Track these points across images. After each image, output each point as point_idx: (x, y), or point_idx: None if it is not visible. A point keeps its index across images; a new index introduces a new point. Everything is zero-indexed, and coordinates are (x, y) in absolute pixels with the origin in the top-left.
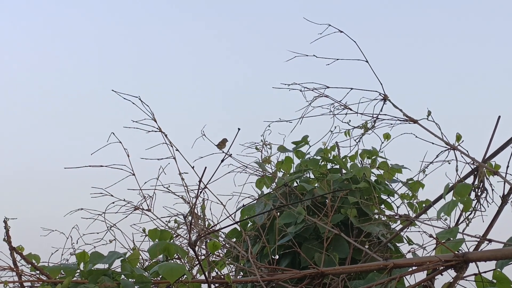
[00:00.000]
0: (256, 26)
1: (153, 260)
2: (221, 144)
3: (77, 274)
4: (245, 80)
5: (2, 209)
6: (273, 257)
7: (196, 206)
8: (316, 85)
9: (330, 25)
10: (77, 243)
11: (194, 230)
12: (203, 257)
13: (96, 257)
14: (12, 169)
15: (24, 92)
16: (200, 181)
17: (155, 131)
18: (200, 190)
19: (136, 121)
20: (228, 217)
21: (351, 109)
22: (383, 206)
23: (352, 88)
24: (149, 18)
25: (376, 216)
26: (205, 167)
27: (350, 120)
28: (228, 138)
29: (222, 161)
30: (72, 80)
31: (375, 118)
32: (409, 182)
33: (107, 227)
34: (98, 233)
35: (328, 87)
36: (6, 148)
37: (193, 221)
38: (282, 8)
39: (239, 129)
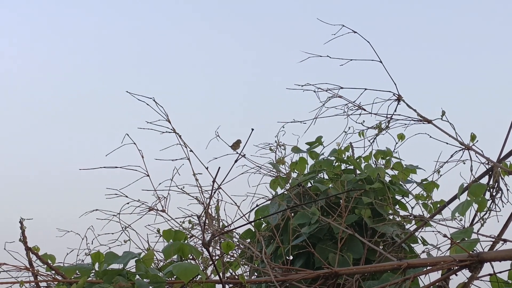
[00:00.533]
0: (269, 27)
1: (168, 261)
2: (235, 145)
3: (92, 274)
4: (259, 82)
5: (17, 210)
6: (287, 257)
7: (210, 206)
8: (329, 85)
9: (344, 25)
10: (92, 243)
11: (208, 231)
12: (217, 257)
13: (110, 257)
14: (28, 170)
15: (30, 92)
16: (214, 181)
17: (169, 132)
18: (214, 191)
19: (150, 122)
20: (241, 217)
21: (365, 110)
22: (397, 206)
23: (366, 89)
24: (157, 17)
25: (391, 217)
26: (219, 168)
27: (364, 121)
28: (242, 140)
29: (236, 161)
30: (84, 80)
31: (389, 119)
32: (424, 182)
33: (122, 228)
34: (113, 233)
35: (341, 88)
36: (18, 150)
37: (207, 221)
38: (295, 8)
39: (252, 129)
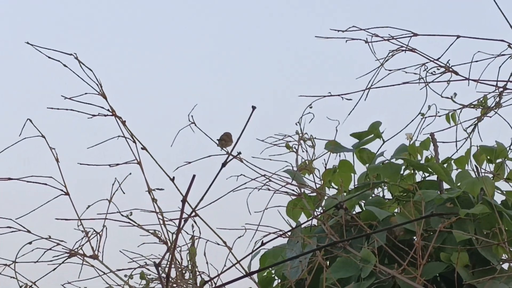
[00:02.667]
0: None
1: None
2: (225, 140)
3: None
4: (264, 24)
5: None
6: None
7: (178, 248)
8: (393, 31)
9: None
10: None
11: None
12: None
13: None
14: None
15: None
16: (184, 202)
17: (104, 115)
18: (185, 220)
19: (69, 98)
20: (233, 265)
21: (457, 73)
22: None
23: (459, 36)
24: None
25: (504, 266)
26: (193, 176)
27: (455, 94)
28: (233, 134)
29: (223, 165)
30: None
31: (501, 89)
32: None
33: (20, 286)
34: None
35: (415, 35)
36: None
37: (173, 275)
38: None
39: (254, 108)
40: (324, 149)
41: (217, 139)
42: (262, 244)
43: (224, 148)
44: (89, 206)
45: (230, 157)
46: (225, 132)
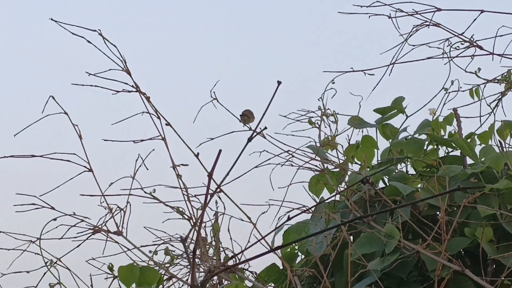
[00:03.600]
0: None
1: None
2: (247, 116)
3: None
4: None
5: None
6: None
7: (203, 224)
8: (416, 6)
9: None
10: None
11: (201, 267)
12: None
13: None
14: None
15: None
16: (209, 178)
17: (129, 91)
18: (210, 196)
19: (94, 74)
20: (258, 241)
21: (481, 48)
22: None
23: (483, 11)
24: None
25: None
26: (220, 151)
27: (479, 69)
28: (255, 110)
29: (249, 140)
30: None
31: None
32: None
33: (45, 263)
34: (28, 272)
35: (439, 10)
36: None
37: (198, 251)
38: None
39: (279, 83)
40: (347, 124)
41: (240, 115)
42: (289, 219)
43: (246, 124)
44: (112, 183)
45: (256, 132)
46: (247, 109)
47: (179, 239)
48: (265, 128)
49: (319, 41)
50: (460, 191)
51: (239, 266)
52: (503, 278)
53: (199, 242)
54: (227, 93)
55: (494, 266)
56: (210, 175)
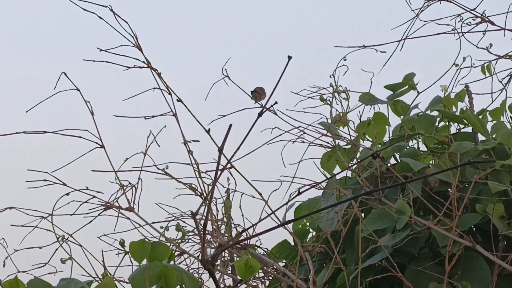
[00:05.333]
0: None
1: None
2: (259, 93)
3: None
4: None
5: None
6: None
7: (214, 200)
8: None
9: None
10: (4, 266)
11: (212, 242)
12: None
13: None
14: None
15: None
16: (220, 153)
17: (140, 67)
18: (220, 172)
19: (105, 50)
20: (268, 216)
21: (493, 23)
22: None
23: None
24: None
25: None
26: (230, 125)
27: (491, 45)
28: (266, 87)
29: (259, 115)
30: None
31: None
32: None
33: (57, 239)
34: (41, 248)
35: None
36: None
37: (209, 226)
38: None
39: (290, 58)
40: (358, 101)
41: (251, 91)
42: (299, 193)
43: (257, 101)
44: (127, 158)
45: (266, 107)
46: (258, 86)
47: (191, 214)
48: (275, 103)
49: (331, 17)
50: (471, 167)
51: (250, 241)
52: None
53: (209, 217)
54: (238, 70)
55: (505, 242)
56: (220, 150)
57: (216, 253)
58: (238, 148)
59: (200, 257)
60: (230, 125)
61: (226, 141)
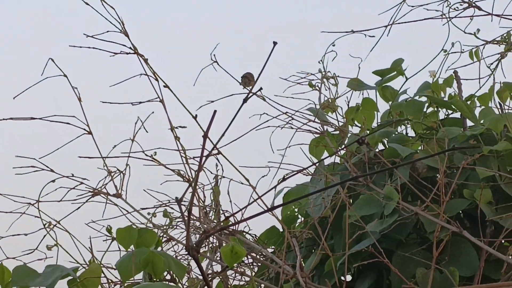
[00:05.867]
0: None
1: (127, 282)
2: (248, 78)
3: None
4: None
5: None
6: (341, 276)
7: (201, 186)
8: None
9: None
10: None
11: (199, 228)
12: (215, 275)
13: (23, 275)
14: None
15: None
16: (205, 138)
17: (126, 53)
18: (206, 156)
19: (92, 36)
20: (254, 200)
21: (480, 8)
22: None
23: None
24: None
25: None
26: (215, 112)
27: (479, 30)
28: (255, 73)
29: (244, 101)
30: None
31: None
32: None
33: (44, 225)
34: (26, 235)
35: None
36: None
37: (196, 213)
38: None
39: (275, 43)
40: (346, 87)
41: (241, 76)
42: (284, 179)
43: (246, 87)
44: (115, 145)
45: (252, 92)
46: (248, 72)
47: (176, 200)
48: (261, 89)
49: (319, 2)
50: (459, 152)
51: (238, 228)
52: (501, 240)
53: (194, 203)
54: (227, 56)
55: (492, 228)
56: (205, 136)
57: (201, 239)
58: (223, 134)
59: (186, 244)
60: (215, 111)
61: (211, 127)
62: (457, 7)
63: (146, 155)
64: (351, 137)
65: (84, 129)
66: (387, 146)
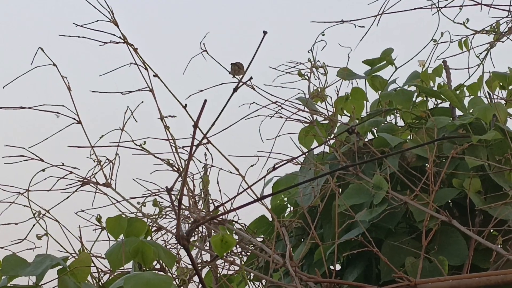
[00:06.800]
0: None
1: (117, 272)
2: (238, 67)
3: None
4: None
5: None
6: (331, 266)
7: (190, 175)
8: None
9: None
10: None
11: (188, 218)
12: (204, 265)
13: (13, 264)
14: None
15: None
16: (195, 128)
17: (116, 43)
18: (196, 146)
19: (82, 25)
20: (244, 190)
21: None
22: None
23: None
24: None
25: None
26: (205, 101)
27: (468, 20)
28: (245, 62)
29: (234, 90)
30: None
31: None
32: None
33: (34, 215)
34: (17, 224)
35: None
36: None
37: (187, 202)
38: None
39: (265, 32)
40: (336, 76)
41: (231, 64)
42: (273, 169)
43: (235, 75)
44: (103, 135)
45: (242, 81)
46: (238, 61)
47: (166, 189)
48: (251, 78)
49: None
50: (448, 142)
51: (227, 217)
52: (490, 229)
53: (187, 194)
54: (216, 45)
55: (481, 217)
56: (195, 126)
57: (191, 229)
58: (213, 123)
59: (176, 233)
60: (205, 101)
61: (201, 116)
62: None
63: (136, 144)
64: (340, 126)
65: (74, 119)
66: (377, 136)
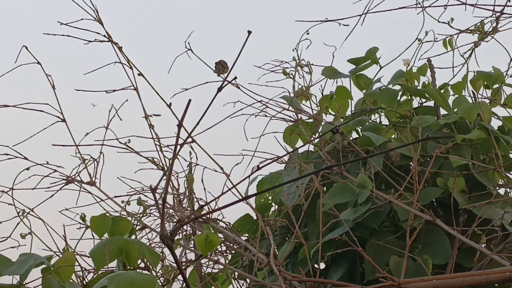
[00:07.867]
0: None
1: (101, 271)
2: (222, 65)
3: None
4: None
5: None
6: (315, 265)
7: (175, 174)
8: None
9: None
10: None
11: (173, 217)
12: (188, 264)
13: None
14: None
15: None
16: (179, 126)
17: (101, 41)
18: (180, 145)
19: (66, 24)
20: (229, 190)
21: None
22: None
23: None
24: None
25: (501, 191)
26: (189, 101)
27: (452, 19)
28: (230, 61)
29: (219, 90)
30: None
31: (498, 13)
32: None
33: (18, 213)
34: (0, 222)
35: None
36: None
37: (171, 201)
38: None
39: (249, 32)
40: (321, 75)
41: (215, 62)
42: (258, 168)
43: (220, 74)
44: (87, 133)
45: (227, 80)
46: (222, 59)
47: (150, 188)
48: (235, 77)
49: None
50: (432, 141)
51: (212, 216)
52: (474, 228)
53: (171, 192)
54: (201, 44)
55: (465, 216)
56: (180, 124)
57: (175, 228)
58: (198, 122)
59: (160, 232)
60: (189, 101)
61: (186, 115)
62: None
63: (120, 143)
64: (325, 125)
65: (58, 117)
66: (361, 135)
